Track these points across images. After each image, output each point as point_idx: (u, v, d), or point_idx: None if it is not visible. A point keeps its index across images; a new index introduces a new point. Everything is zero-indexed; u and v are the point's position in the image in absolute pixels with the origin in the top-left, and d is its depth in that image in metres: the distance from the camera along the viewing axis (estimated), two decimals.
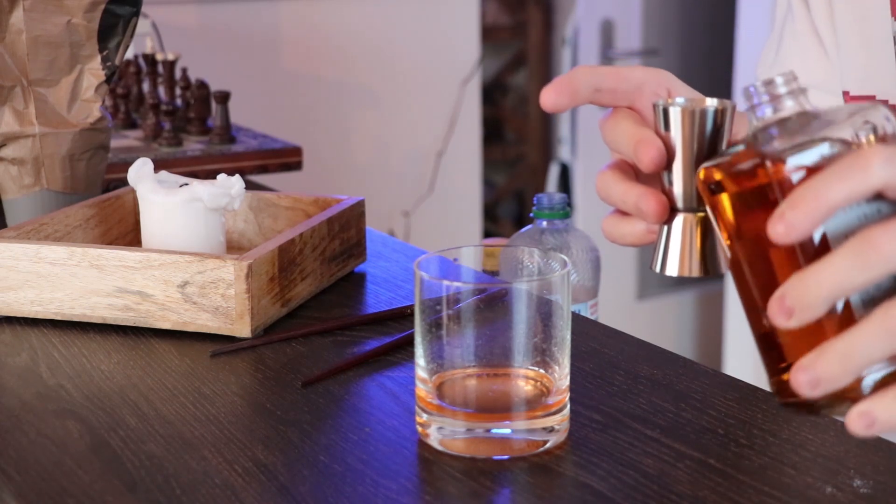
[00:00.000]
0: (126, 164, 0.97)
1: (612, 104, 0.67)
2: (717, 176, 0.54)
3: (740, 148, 0.54)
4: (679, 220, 0.61)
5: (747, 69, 2.48)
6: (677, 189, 0.60)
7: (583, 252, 1.08)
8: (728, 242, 0.54)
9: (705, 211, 0.58)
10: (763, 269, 0.52)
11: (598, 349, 0.77)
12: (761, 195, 0.51)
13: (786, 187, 0.50)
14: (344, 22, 2.36)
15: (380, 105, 2.44)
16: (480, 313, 0.60)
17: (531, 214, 1.09)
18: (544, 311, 0.61)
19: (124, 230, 0.97)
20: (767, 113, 0.55)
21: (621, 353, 0.76)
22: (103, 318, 0.82)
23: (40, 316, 0.83)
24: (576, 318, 0.77)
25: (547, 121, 3.33)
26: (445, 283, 0.60)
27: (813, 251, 0.50)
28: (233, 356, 0.77)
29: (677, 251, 0.61)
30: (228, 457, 0.62)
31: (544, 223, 1.07)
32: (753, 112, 0.55)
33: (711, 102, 0.60)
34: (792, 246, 0.50)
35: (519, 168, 3.45)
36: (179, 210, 0.87)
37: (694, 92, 0.68)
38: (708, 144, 0.59)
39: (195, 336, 0.80)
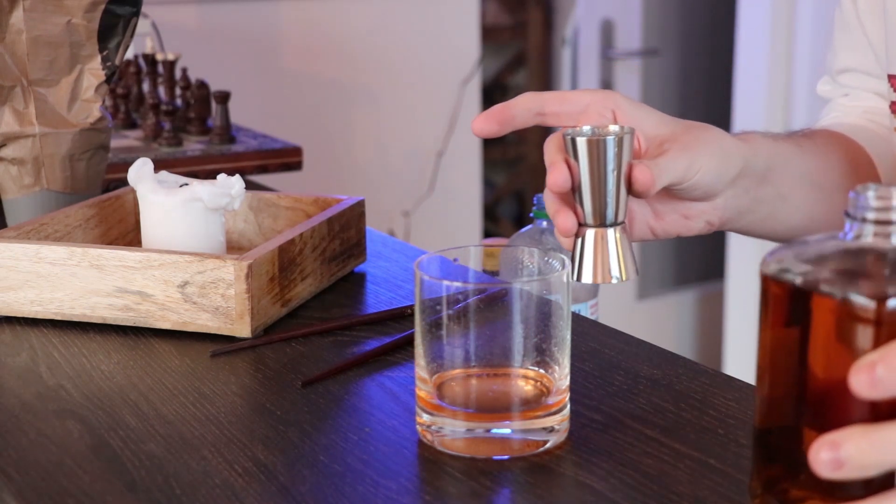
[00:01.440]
0: (126, 164, 0.97)
1: (558, 125, 0.75)
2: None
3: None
4: (589, 234, 0.70)
5: (747, 69, 2.48)
6: (586, 208, 0.69)
7: None
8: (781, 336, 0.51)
9: (613, 225, 0.69)
10: (826, 386, 0.49)
11: (598, 349, 0.77)
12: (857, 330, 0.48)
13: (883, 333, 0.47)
14: (344, 22, 2.36)
15: (380, 105, 2.44)
16: (480, 313, 0.60)
17: (531, 214, 1.09)
18: (544, 311, 0.61)
19: (124, 230, 0.97)
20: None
21: (621, 353, 0.76)
22: (103, 318, 0.82)
23: (40, 316, 0.83)
24: (576, 318, 0.77)
25: None
26: (445, 283, 0.60)
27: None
28: (233, 356, 0.77)
29: (590, 261, 0.69)
30: (228, 457, 0.62)
31: (544, 223, 1.07)
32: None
33: (614, 129, 0.69)
34: None
35: (519, 168, 3.46)
36: (179, 210, 0.87)
37: (642, 110, 0.76)
38: (609, 169, 0.68)
39: (195, 336, 0.80)
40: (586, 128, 0.70)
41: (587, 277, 0.70)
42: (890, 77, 0.89)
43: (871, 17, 0.94)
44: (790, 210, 0.85)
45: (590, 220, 0.70)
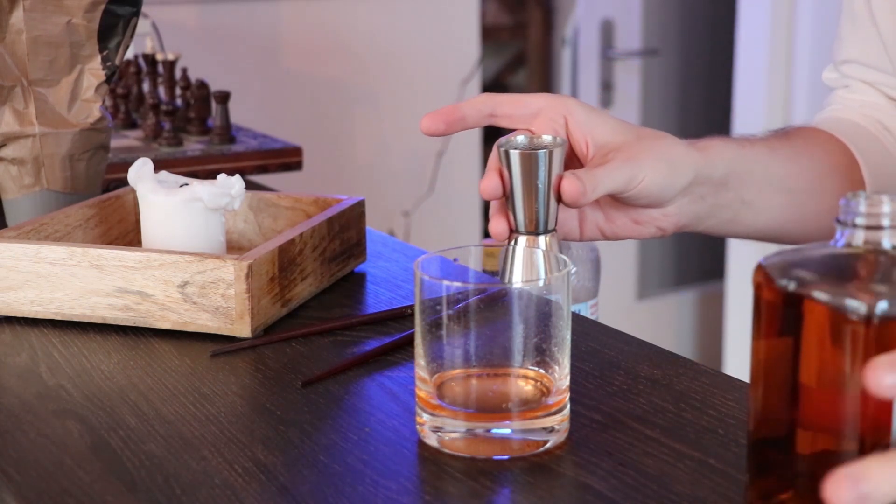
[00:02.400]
0: (126, 164, 0.97)
1: (510, 127, 0.77)
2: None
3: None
4: (521, 241, 0.73)
5: (747, 69, 2.48)
6: (517, 216, 0.73)
7: (583, 252, 1.08)
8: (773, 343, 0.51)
9: (543, 233, 0.72)
10: (825, 396, 0.49)
11: (598, 349, 0.77)
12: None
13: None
14: (344, 22, 2.36)
15: (380, 105, 2.44)
16: (480, 313, 0.60)
17: None
18: (544, 311, 0.61)
19: (124, 230, 0.97)
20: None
21: (621, 353, 0.76)
22: (103, 318, 0.82)
23: (40, 316, 0.83)
24: (576, 318, 0.77)
25: None
26: (445, 283, 0.60)
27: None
28: (233, 356, 0.77)
29: (519, 268, 0.71)
30: (228, 457, 0.62)
31: None
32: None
33: (547, 141, 0.73)
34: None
35: None
36: (179, 210, 0.87)
37: (595, 117, 0.77)
38: (539, 181, 0.71)
39: (195, 336, 0.80)
40: (521, 138, 0.73)
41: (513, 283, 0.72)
42: None
43: (887, 11, 0.93)
44: (754, 214, 0.85)
45: (521, 227, 0.73)
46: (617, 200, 0.78)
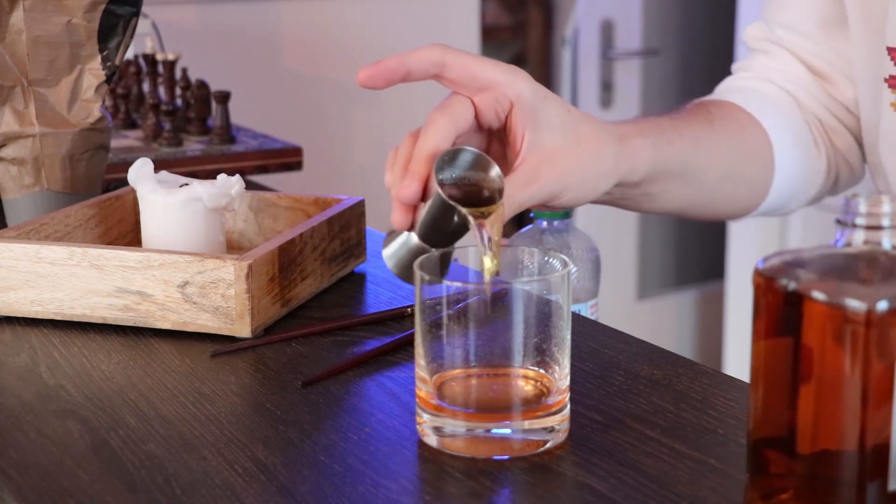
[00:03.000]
0: (126, 164, 0.97)
1: (453, 89, 0.72)
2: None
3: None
4: (413, 237, 0.70)
5: None
6: (420, 227, 0.69)
7: (583, 252, 1.08)
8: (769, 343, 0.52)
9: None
10: (826, 394, 0.49)
11: (598, 349, 0.77)
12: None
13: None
14: (344, 22, 2.35)
15: (380, 105, 2.44)
16: (480, 313, 0.60)
17: (531, 214, 1.08)
18: (544, 311, 0.61)
19: (124, 230, 0.97)
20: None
21: (621, 353, 0.76)
22: (103, 318, 0.82)
23: (40, 316, 0.83)
24: (576, 318, 0.77)
25: None
26: (445, 283, 0.60)
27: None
28: (233, 356, 0.77)
29: (399, 256, 0.71)
30: (228, 457, 0.62)
31: (544, 223, 1.07)
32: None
33: (484, 180, 0.67)
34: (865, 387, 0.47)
35: None
36: (179, 210, 0.87)
37: (542, 109, 0.72)
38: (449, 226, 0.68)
39: (195, 336, 0.80)
40: (465, 155, 0.67)
41: (389, 263, 0.72)
42: (889, 49, 0.89)
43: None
44: (654, 204, 0.87)
45: (418, 232, 0.70)
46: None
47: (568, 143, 0.74)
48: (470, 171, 0.68)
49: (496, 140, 0.76)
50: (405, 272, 0.71)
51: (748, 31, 1.04)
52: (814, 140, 0.98)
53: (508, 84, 0.72)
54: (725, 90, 1.01)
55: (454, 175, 0.67)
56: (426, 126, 0.70)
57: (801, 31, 0.98)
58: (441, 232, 0.69)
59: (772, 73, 1.00)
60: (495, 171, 0.68)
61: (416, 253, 0.69)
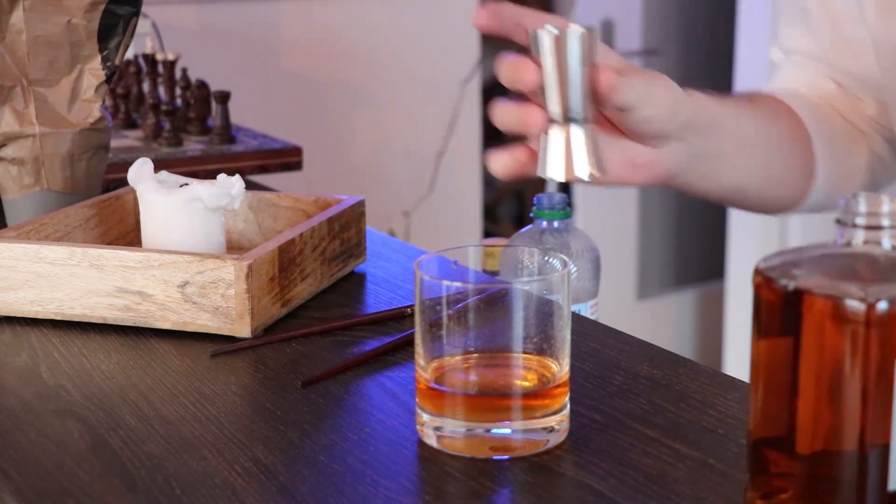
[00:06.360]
0: (126, 164, 0.97)
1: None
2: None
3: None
4: (556, 130, 0.69)
5: (747, 69, 2.48)
6: (552, 104, 0.69)
7: (583, 252, 1.08)
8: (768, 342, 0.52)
9: (579, 123, 0.69)
10: (827, 394, 0.49)
11: (598, 349, 0.77)
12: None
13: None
14: (344, 22, 2.35)
15: (380, 105, 2.44)
16: (480, 313, 0.60)
17: (531, 214, 1.09)
18: (544, 311, 0.61)
19: (124, 230, 0.97)
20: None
21: (621, 353, 0.76)
22: (103, 318, 0.82)
23: (40, 316, 0.83)
24: (576, 318, 0.77)
25: None
26: (445, 283, 0.60)
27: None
28: (233, 356, 0.77)
29: (555, 157, 0.69)
30: (228, 457, 0.62)
31: (544, 223, 1.07)
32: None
33: (577, 27, 0.68)
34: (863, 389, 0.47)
35: None
36: (179, 210, 0.87)
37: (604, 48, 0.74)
38: (575, 65, 0.68)
39: (195, 336, 0.80)
40: (549, 26, 0.69)
41: (553, 173, 0.69)
42: None
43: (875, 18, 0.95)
44: (727, 169, 0.87)
45: (556, 117, 0.69)
46: (619, 131, 0.76)
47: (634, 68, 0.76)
48: (557, 31, 0.69)
49: None
50: (591, 167, 0.70)
51: (773, 53, 1.07)
52: (849, 135, 0.99)
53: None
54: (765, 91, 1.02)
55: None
56: (514, 67, 0.71)
57: (814, 57, 1.00)
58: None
59: (804, 81, 1.02)
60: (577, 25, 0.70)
61: (569, 141, 0.69)
